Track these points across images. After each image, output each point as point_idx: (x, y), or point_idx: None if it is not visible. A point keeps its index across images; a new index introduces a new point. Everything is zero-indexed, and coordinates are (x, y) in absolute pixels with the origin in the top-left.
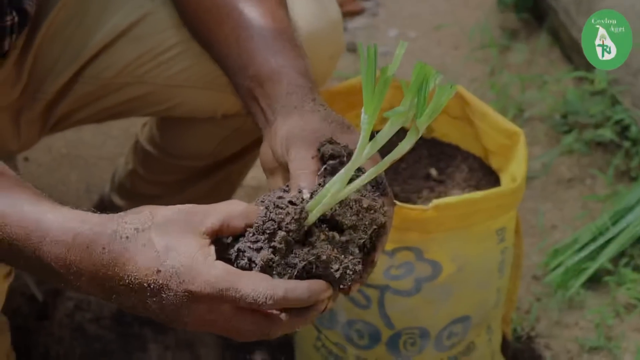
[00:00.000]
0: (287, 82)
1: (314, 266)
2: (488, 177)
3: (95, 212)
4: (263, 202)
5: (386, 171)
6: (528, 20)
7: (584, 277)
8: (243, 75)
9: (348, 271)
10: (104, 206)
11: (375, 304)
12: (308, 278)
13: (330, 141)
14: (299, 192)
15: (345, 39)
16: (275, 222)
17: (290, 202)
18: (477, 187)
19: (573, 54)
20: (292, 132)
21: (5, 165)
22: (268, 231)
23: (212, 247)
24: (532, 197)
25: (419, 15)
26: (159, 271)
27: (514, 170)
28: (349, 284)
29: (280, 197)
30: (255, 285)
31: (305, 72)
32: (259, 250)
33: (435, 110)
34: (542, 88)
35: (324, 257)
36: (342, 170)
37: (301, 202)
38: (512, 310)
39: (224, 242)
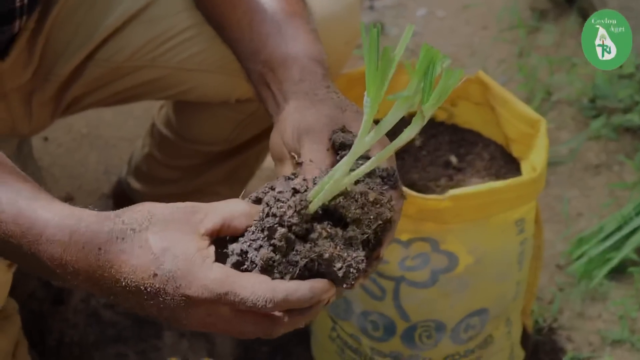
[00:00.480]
0: (300, 67)
1: (316, 264)
2: (509, 165)
3: (92, 209)
4: (265, 193)
5: (406, 158)
6: (558, 1)
7: (608, 268)
8: (255, 60)
9: (352, 269)
10: (121, 189)
11: (390, 295)
12: (310, 276)
13: (343, 129)
14: (304, 179)
15: (372, 18)
16: (276, 216)
17: (294, 190)
18: (497, 176)
19: None
20: (304, 121)
21: (3, 154)
22: (268, 228)
23: (211, 249)
24: (558, 184)
25: None
26: (155, 275)
27: (534, 160)
28: (352, 282)
29: (281, 192)
30: (255, 289)
31: (319, 57)
32: (258, 249)
33: (442, 95)
34: (570, 71)
35: (326, 256)
36: (345, 157)
37: (305, 190)
38: (532, 302)
39: (223, 242)
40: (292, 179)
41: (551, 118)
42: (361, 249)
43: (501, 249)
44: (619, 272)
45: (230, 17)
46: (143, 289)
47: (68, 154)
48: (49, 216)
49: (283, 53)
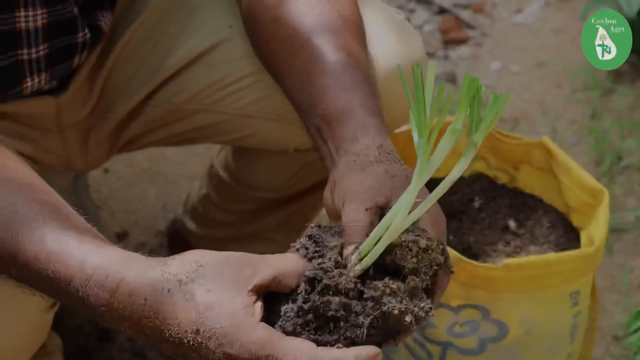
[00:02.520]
0: (355, 123)
1: (381, 320)
2: (569, 234)
3: (142, 254)
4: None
5: (464, 220)
6: (635, 63)
7: None
8: (313, 113)
9: (421, 319)
10: (176, 228)
11: None
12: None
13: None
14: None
15: (445, 68)
16: (329, 287)
17: (337, 264)
18: (556, 244)
19: None
20: (350, 185)
21: (54, 192)
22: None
23: (258, 305)
24: (622, 252)
25: (524, 49)
26: (198, 330)
27: (593, 231)
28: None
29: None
30: (297, 355)
31: (376, 111)
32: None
33: (491, 122)
34: None
35: (395, 312)
36: (403, 196)
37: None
38: None
39: (274, 296)
40: (333, 234)
41: (619, 183)
42: (425, 297)
43: (553, 321)
44: None
45: (289, 67)
46: (186, 342)
47: (127, 188)
48: (98, 260)
49: (339, 106)
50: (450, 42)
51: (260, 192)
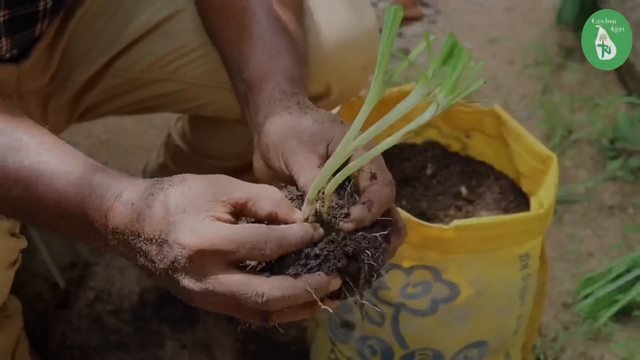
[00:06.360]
0: (272, 88)
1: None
2: (519, 199)
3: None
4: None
5: (417, 186)
6: None
7: (614, 309)
8: (239, 80)
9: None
10: None
11: (389, 321)
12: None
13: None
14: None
15: (399, 45)
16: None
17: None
18: (506, 210)
19: (628, 78)
20: (286, 145)
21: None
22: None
23: (227, 217)
24: (572, 222)
25: (477, 26)
26: (162, 230)
27: (543, 196)
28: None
29: None
30: (240, 248)
31: (296, 78)
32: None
33: (456, 78)
34: (592, 111)
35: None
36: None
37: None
38: (534, 339)
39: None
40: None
41: (570, 156)
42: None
43: (503, 283)
44: (624, 315)
45: (223, 34)
46: (155, 241)
47: None
48: (100, 173)
49: (261, 72)
50: (404, 20)
51: (217, 161)
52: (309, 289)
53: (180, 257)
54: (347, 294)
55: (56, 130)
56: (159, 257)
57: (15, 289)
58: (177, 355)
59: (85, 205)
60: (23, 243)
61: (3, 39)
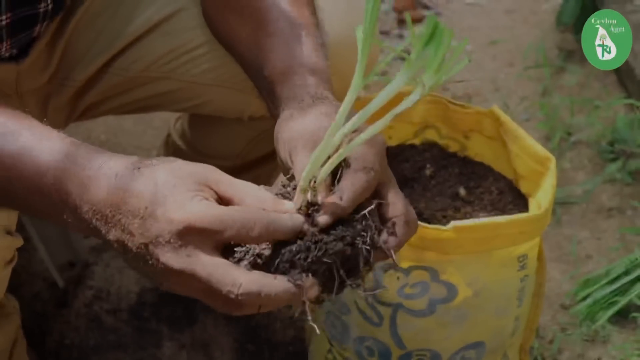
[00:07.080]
0: (293, 83)
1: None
2: (517, 200)
3: None
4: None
5: (415, 187)
6: None
7: (612, 311)
8: (260, 77)
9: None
10: None
11: (387, 322)
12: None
13: None
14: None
15: (399, 47)
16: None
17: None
18: (504, 211)
19: (627, 81)
20: (291, 134)
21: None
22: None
23: (208, 194)
24: (570, 224)
25: (477, 28)
26: (150, 203)
27: (541, 197)
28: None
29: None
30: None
31: (316, 70)
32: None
33: (440, 57)
34: (592, 113)
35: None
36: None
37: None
38: (531, 340)
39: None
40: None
41: (569, 158)
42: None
43: (501, 284)
44: (622, 317)
45: (239, 33)
46: (138, 214)
47: None
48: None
49: (282, 68)
50: (404, 21)
51: (216, 160)
52: (285, 291)
53: (166, 232)
54: (325, 297)
55: (56, 129)
56: (140, 231)
57: (13, 288)
58: (176, 355)
59: (65, 176)
60: (19, 241)
61: (3, 42)
